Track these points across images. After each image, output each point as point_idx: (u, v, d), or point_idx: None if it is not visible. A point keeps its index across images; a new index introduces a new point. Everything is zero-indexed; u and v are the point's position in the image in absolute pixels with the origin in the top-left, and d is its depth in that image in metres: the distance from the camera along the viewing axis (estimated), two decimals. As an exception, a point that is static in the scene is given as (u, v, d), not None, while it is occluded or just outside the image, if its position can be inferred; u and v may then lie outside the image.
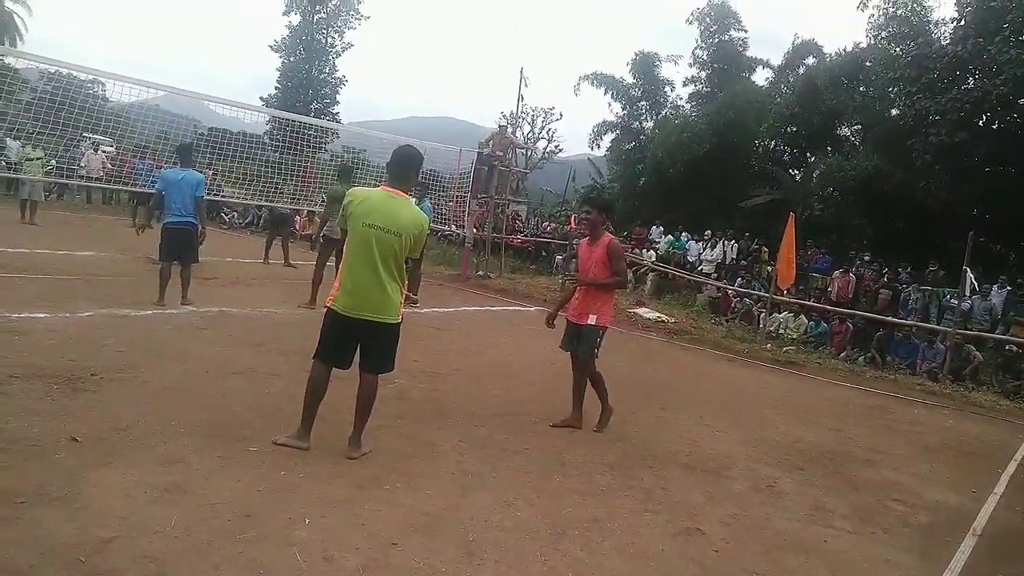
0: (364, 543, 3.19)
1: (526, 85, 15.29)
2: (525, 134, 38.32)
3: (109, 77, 12.02)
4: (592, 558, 3.41)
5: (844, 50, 22.12)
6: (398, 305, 4.18)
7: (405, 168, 4.22)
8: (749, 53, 26.23)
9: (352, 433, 4.28)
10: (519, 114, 17.86)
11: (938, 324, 12.28)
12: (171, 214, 7.78)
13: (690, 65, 26.54)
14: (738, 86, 23.80)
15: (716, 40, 25.52)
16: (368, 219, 4.01)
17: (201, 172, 8.71)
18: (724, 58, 25.36)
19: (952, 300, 12.41)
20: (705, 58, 25.88)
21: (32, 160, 14.05)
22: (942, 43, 17.51)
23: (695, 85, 26.60)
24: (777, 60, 25.63)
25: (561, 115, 39.86)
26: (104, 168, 17.06)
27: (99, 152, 17.76)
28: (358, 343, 4.18)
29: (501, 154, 14.95)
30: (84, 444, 3.77)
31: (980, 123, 16.68)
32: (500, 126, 16.01)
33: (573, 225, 20.07)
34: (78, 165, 16.41)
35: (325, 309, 4.21)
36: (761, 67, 26.27)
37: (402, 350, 5.44)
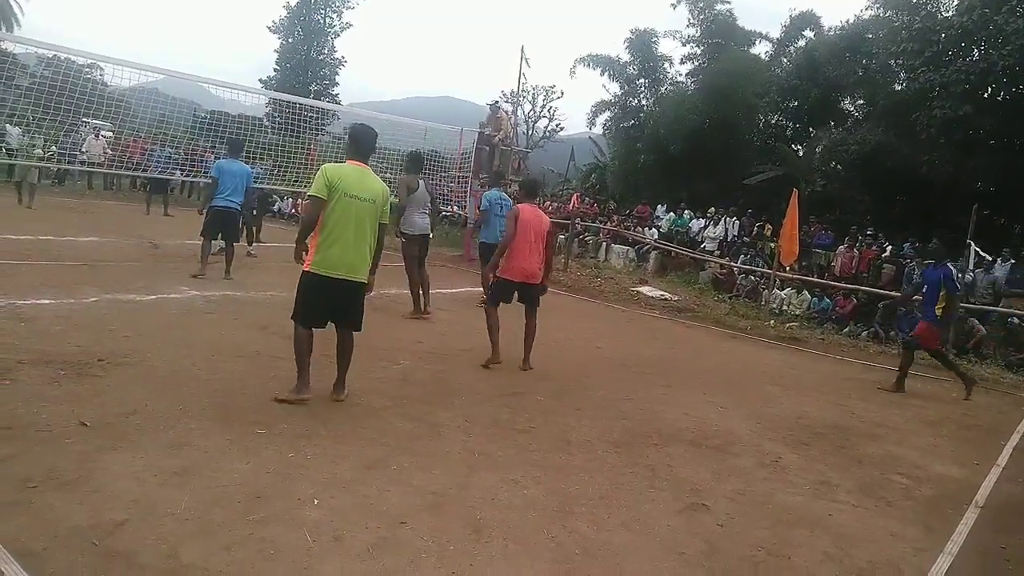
0: (373, 522, 3.23)
1: (528, 65, 15.14)
2: (527, 113, 38.11)
3: (107, 61, 11.96)
4: (599, 534, 3.44)
5: (846, 22, 21.83)
6: (367, 267, 4.72)
7: (367, 145, 4.82)
8: (748, 27, 25.78)
9: (337, 380, 4.82)
10: (520, 93, 17.69)
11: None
12: (221, 198, 8.80)
13: (683, 44, 26.12)
14: (731, 55, 23.38)
15: (706, 15, 25.01)
16: (349, 191, 4.53)
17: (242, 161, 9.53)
18: (719, 32, 24.88)
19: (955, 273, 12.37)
20: (698, 35, 25.46)
21: (25, 147, 13.99)
22: (946, 14, 17.28)
23: (692, 63, 26.24)
24: (776, 33, 25.25)
25: (562, 93, 39.57)
26: (105, 153, 17.00)
27: (100, 137, 17.69)
28: (333, 301, 4.62)
29: (498, 134, 14.83)
30: (93, 429, 3.80)
31: (985, 95, 16.50)
32: (489, 105, 15.88)
33: (576, 204, 20.00)
34: (79, 151, 16.35)
35: (303, 272, 4.61)
36: (759, 40, 25.83)
37: (407, 331, 5.47)
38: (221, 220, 8.84)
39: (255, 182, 10.50)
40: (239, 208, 9.03)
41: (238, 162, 9.11)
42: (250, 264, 10.61)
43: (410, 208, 8.18)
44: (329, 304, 4.63)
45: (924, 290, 7.92)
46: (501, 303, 6.51)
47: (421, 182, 8.24)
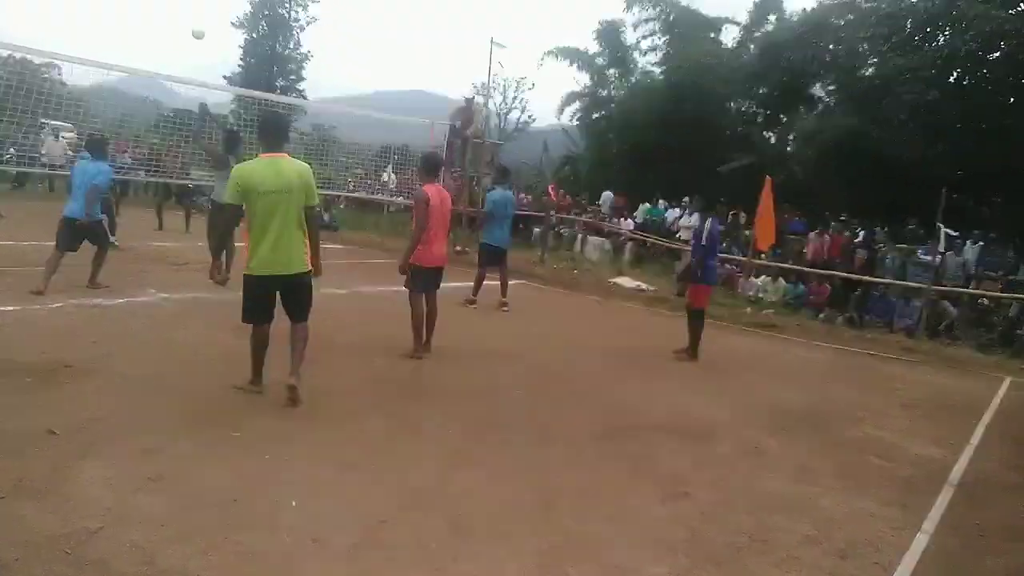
0: (353, 523, 3.19)
1: (502, 66, 15.06)
2: (498, 105, 38.00)
3: (65, 60, 11.63)
4: (581, 527, 3.43)
5: (808, 8, 22.02)
6: (306, 256, 4.64)
7: (277, 132, 4.72)
8: (714, 13, 25.78)
9: (291, 369, 4.63)
10: (491, 85, 17.62)
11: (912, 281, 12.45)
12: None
13: (645, 36, 26.10)
14: (694, 45, 23.30)
15: (663, 7, 24.96)
16: (261, 187, 4.42)
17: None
18: (679, 23, 24.84)
19: (925, 256, 12.58)
20: (658, 28, 25.47)
21: None
22: (911, 0, 17.53)
23: (656, 54, 26.22)
24: (744, 18, 25.22)
25: (533, 85, 39.51)
26: (66, 155, 16.59)
27: (60, 139, 17.28)
28: (276, 297, 4.62)
29: (470, 127, 14.76)
30: (62, 437, 3.71)
31: (951, 80, 16.79)
32: (466, 99, 15.83)
33: (553, 196, 19.95)
34: (39, 153, 15.93)
35: (244, 275, 4.58)
36: (726, 26, 25.70)
37: (383, 329, 5.34)
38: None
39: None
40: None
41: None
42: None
43: (221, 180, 8.08)
44: (273, 300, 4.63)
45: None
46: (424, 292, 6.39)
47: (232, 159, 8.24)
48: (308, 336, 4.76)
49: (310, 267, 4.70)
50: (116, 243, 10.40)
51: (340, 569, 2.83)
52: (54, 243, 7.38)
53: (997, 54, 15.88)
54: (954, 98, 16.19)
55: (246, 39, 34.11)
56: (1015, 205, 16.77)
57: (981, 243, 13.34)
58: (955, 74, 16.78)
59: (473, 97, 16.32)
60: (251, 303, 4.60)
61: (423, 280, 6.28)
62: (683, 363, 7.39)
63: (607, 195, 21.07)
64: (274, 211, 4.44)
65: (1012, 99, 16.17)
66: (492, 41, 15.17)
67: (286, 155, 4.63)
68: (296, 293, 4.65)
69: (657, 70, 25.56)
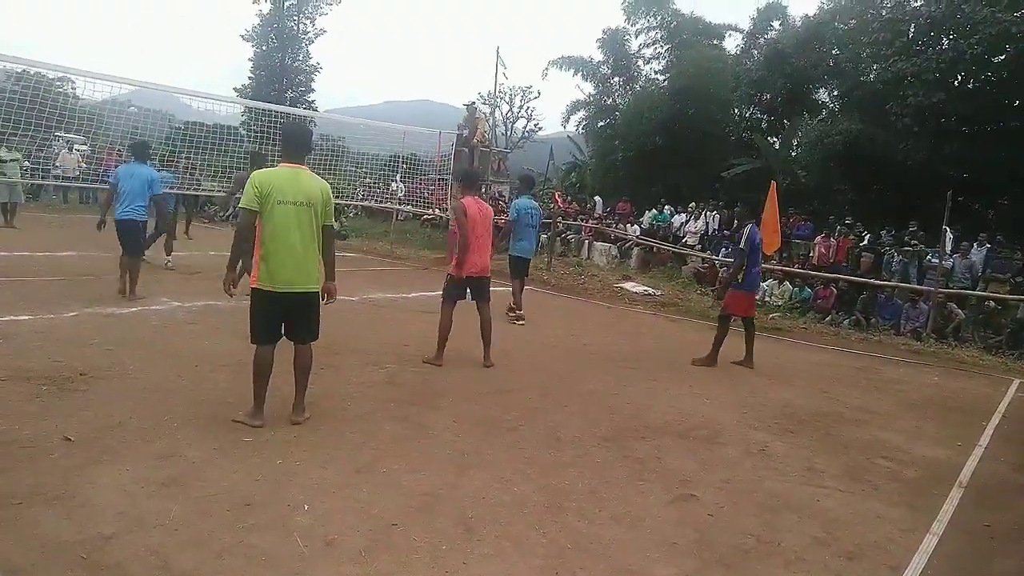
0: (364, 525, 3.23)
1: (506, 77, 15.16)
2: (504, 114, 38.19)
3: (78, 74, 11.83)
4: (590, 528, 3.46)
5: (811, 15, 22.04)
6: (319, 273, 4.43)
7: (301, 143, 4.50)
8: (718, 20, 25.82)
9: (296, 401, 4.49)
10: (497, 94, 17.73)
11: (920, 284, 12.42)
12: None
13: (647, 45, 26.15)
14: (697, 52, 23.28)
15: (663, 18, 24.97)
16: (282, 197, 4.23)
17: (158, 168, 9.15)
18: (683, 30, 24.89)
19: (934, 260, 12.55)
20: (660, 37, 25.53)
21: (6, 162, 13.81)
22: (915, 4, 17.53)
23: (659, 61, 26.29)
24: (747, 25, 25.26)
25: (539, 93, 39.76)
26: (79, 167, 16.83)
27: (73, 151, 17.50)
28: (286, 315, 4.39)
29: (476, 135, 14.87)
30: (77, 443, 3.77)
31: (956, 83, 16.76)
32: (465, 105, 15.95)
33: (560, 203, 20.02)
34: (53, 165, 16.16)
35: (251, 290, 4.35)
36: (729, 33, 25.74)
37: (392, 334, 5.35)
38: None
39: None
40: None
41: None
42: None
43: None
44: (282, 318, 4.38)
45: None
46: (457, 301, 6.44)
47: None
48: (312, 363, 4.53)
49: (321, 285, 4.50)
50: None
51: (352, 572, 2.86)
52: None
53: (1003, 56, 15.85)
54: (960, 100, 16.16)
55: (256, 52, 34.51)
56: (1022, 207, 16.71)
57: (988, 245, 13.29)
58: (960, 77, 16.75)
59: (473, 103, 16.42)
60: (262, 320, 4.34)
61: (457, 289, 6.38)
62: (689, 366, 7.40)
63: (598, 200, 21.61)
64: (291, 223, 4.24)
65: (1018, 101, 16.15)
66: (497, 52, 15.26)
67: (306, 168, 4.46)
68: (306, 311, 4.41)
69: (661, 78, 25.66)
